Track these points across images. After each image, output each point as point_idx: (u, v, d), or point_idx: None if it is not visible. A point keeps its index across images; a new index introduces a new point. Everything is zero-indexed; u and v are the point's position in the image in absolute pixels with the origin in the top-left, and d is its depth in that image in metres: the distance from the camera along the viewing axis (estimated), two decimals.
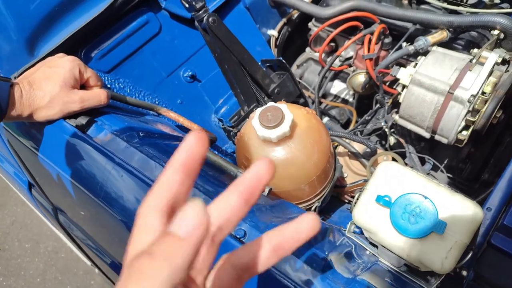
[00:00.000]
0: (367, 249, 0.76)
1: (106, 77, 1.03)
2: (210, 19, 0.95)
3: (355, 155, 1.12)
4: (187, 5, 0.93)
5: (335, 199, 1.15)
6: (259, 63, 1.12)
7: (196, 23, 0.98)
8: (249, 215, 0.67)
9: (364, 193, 0.75)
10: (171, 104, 1.14)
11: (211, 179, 0.75)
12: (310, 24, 1.43)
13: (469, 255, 0.70)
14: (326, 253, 0.67)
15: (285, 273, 0.58)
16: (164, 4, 1.12)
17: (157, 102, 1.12)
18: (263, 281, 0.59)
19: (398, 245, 0.71)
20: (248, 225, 0.65)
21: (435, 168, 1.23)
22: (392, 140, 1.17)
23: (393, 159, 1.05)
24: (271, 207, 0.73)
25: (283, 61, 1.14)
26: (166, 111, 1.00)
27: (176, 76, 1.16)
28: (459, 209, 0.69)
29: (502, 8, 1.12)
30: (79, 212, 1.00)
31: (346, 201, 1.12)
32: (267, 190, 0.72)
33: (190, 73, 1.16)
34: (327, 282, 0.59)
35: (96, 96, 0.81)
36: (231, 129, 1.16)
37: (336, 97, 1.47)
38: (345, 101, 1.46)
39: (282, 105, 0.77)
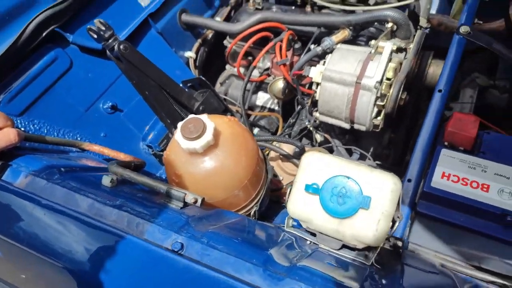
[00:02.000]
0: (307, 239, 0.78)
1: (18, 120, 0.98)
2: (121, 47, 0.95)
3: (286, 157, 1.16)
4: (95, 36, 0.92)
5: (276, 204, 1.17)
6: (180, 85, 1.14)
7: (108, 52, 0.97)
8: (184, 227, 0.66)
9: (294, 186, 0.78)
10: (95, 138, 1.11)
11: (141, 201, 0.73)
12: (225, 42, 1.48)
13: (397, 224, 0.75)
14: (268, 251, 0.68)
15: (228, 272, 0.59)
16: (71, 38, 1.10)
17: (79, 138, 1.09)
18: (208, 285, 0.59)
19: (332, 228, 0.74)
20: (185, 237, 0.64)
21: (363, 158, 1.31)
22: (318, 137, 1.23)
23: None
24: (207, 217, 0.73)
25: (203, 78, 1.16)
26: (89, 145, 0.97)
27: (95, 110, 1.13)
28: (380, 182, 0.73)
29: (390, 2, 1.24)
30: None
31: (285, 203, 1.15)
32: (199, 201, 0.72)
33: (110, 104, 1.15)
34: (267, 274, 0.60)
35: (5, 136, 0.77)
36: (161, 153, 1.15)
37: (263, 107, 1.52)
38: (271, 110, 1.51)
39: (203, 116, 0.79)
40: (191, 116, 0.79)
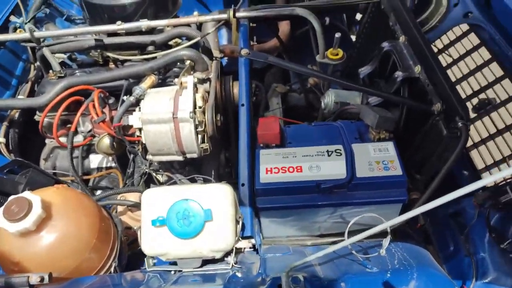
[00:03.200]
0: (170, 270, 0.82)
1: None
2: None
3: (135, 207, 1.17)
4: None
5: (140, 255, 1.17)
6: None
7: None
8: None
9: (142, 226, 0.81)
10: None
11: None
12: (36, 117, 1.40)
13: (240, 223, 0.86)
14: None
15: None
16: None
17: None
18: None
19: (189, 250, 0.80)
20: None
21: (208, 182, 1.41)
22: (160, 177, 1.28)
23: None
24: (67, 286, 0.70)
25: (19, 159, 1.10)
26: None
27: None
28: (213, 193, 0.83)
29: (183, 43, 1.40)
30: None
31: None
32: (46, 278, 0.69)
33: None
34: None
35: None
36: None
37: (99, 168, 1.49)
38: (109, 168, 1.49)
39: (24, 193, 0.76)
40: (10, 197, 0.75)
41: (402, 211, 1.05)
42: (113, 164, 1.49)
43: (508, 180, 1.33)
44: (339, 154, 1.04)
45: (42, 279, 0.69)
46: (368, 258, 0.80)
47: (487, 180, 0.51)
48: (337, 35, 1.37)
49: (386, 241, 0.79)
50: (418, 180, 1.21)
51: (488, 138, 1.51)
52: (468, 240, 1.32)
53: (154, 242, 0.80)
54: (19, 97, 1.43)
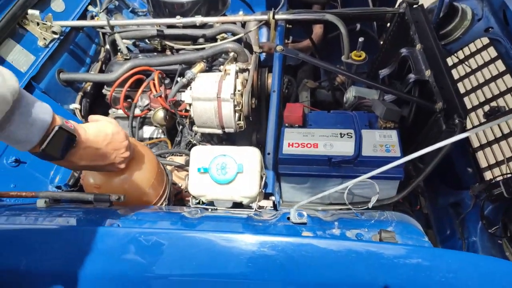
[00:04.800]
0: (208, 208, 1.07)
1: None
2: None
3: (180, 167, 1.44)
4: None
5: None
6: None
7: None
8: (115, 214, 0.90)
9: (190, 173, 1.07)
10: (6, 189, 1.23)
11: (75, 210, 0.94)
12: (104, 90, 1.71)
13: (264, 178, 1.10)
14: (181, 213, 0.95)
15: (157, 227, 0.84)
16: None
17: None
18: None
19: (223, 193, 1.05)
20: (117, 219, 0.88)
21: None
22: None
23: None
24: (131, 209, 0.97)
25: None
26: (6, 193, 1.11)
27: (0, 166, 1.25)
28: (245, 152, 1.08)
29: (228, 38, 1.66)
30: None
31: (188, 203, 1.42)
32: (122, 198, 0.96)
33: (14, 158, 1.28)
34: (183, 223, 0.87)
35: None
36: (71, 190, 1.32)
37: (150, 138, 1.78)
38: (157, 138, 1.78)
39: None
40: None
41: (400, 189, 1.26)
42: (162, 136, 1.77)
43: (502, 176, 1.50)
44: (350, 136, 1.26)
45: (119, 198, 0.96)
46: (361, 213, 1.02)
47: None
48: (361, 39, 1.58)
49: (374, 198, 1.00)
50: (421, 168, 1.41)
51: (493, 141, 1.68)
52: (463, 226, 1.51)
53: (198, 185, 1.06)
54: (91, 73, 1.74)
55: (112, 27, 1.67)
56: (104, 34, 1.89)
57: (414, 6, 1.71)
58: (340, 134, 1.28)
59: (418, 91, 1.43)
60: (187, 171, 1.44)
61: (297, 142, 1.27)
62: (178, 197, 1.39)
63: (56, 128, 0.78)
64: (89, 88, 1.73)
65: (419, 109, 1.42)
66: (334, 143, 1.25)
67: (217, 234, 0.82)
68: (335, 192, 1.32)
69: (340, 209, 1.31)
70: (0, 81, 0.66)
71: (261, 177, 1.09)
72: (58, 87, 1.58)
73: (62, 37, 1.64)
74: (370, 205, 1.02)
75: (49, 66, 1.57)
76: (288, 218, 0.90)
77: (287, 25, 1.63)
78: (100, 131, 0.91)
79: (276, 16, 1.59)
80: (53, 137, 0.78)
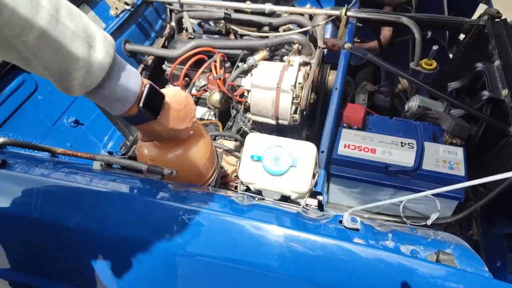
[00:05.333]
0: (255, 196, 1.05)
1: None
2: None
3: (229, 152, 1.43)
4: None
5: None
6: None
7: None
8: (166, 188, 0.90)
9: (242, 158, 1.06)
10: (62, 147, 1.27)
11: (128, 177, 0.95)
12: (164, 66, 1.73)
13: (316, 176, 1.06)
14: (230, 197, 0.93)
15: (207, 208, 0.83)
16: None
17: None
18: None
19: (273, 185, 1.02)
20: (168, 193, 0.88)
21: None
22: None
23: None
24: (180, 184, 0.97)
25: None
26: (64, 150, 1.15)
27: (61, 124, 1.30)
28: (302, 147, 1.04)
29: (295, 29, 1.62)
30: None
31: (232, 188, 1.41)
32: (174, 172, 0.96)
33: (74, 118, 1.32)
34: (233, 207, 0.85)
35: None
36: (123, 157, 1.34)
37: (201, 119, 1.79)
38: (209, 120, 1.78)
39: None
40: None
41: (456, 212, 1.18)
42: (213, 118, 1.77)
43: None
44: (411, 147, 1.19)
45: (171, 172, 0.95)
46: (415, 228, 0.96)
47: None
48: (435, 47, 1.49)
49: (434, 215, 0.94)
50: (481, 193, 1.31)
51: None
52: None
53: (249, 172, 1.04)
54: (154, 47, 1.76)
55: (181, 5, 1.68)
56: (171, 10, 1.91)
57: (496, 19, 1.59)
58: (401, 143, 1.21)
59: (490, 110, 1.33)
60: (235, 156, 1.43)
61: (354, 144, 1.22)
62: (223, 180, 1.38)
63: (148, 85, 0.78)
64: (150, 61, 1.76)
65: (489, 128, 1.32)
66: (393, 151, 1.19)
67: (266, 224, 0.80)
68: (384, 204, 1.27)
69: (389, 220, 1.25)
70: (102, 35, 0.67)
71: (314, 175, 1.05)
72: (122, 57, 1.60)
73: (132, 9, 1.67)
74: (429, 222, 0.95)
75: (117, 35, 1.60)
76: (340, 222, 0.86)
77: (358, 24, 1.57)
78: (177, 94, 0.91)
79: (349, 13, 1.53)
80: (148, 94, 0.77)
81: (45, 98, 1.27)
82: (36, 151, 1.11)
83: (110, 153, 1.37)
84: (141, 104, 0.76)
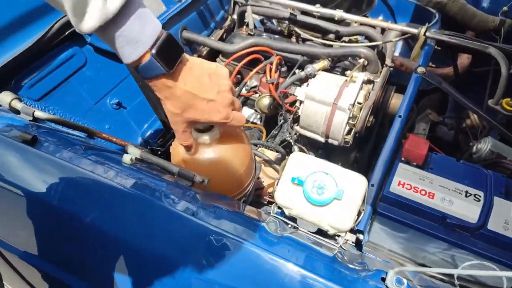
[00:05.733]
0: (288, 223, 0.94)
1: (36, 105, 1.09)
2: None
3: (268, 162, 1.32)
4: None
5: (257, 203, 1.33)
6: None
7: None
8: (194, 199, 0.81)
9: (282, 178, 0.95)
10: (100, 129, 1.23)
11: (156, 177, 0.87)
12: (218, 60, 1.65)
13: (362, 215, 0.93)
14: (260, 223, 0.83)
15: (233, 233, 0.73)
16: (89, 39, 1.23)
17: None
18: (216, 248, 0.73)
19: (310, 214, 0.91)
20: (195, 206, 0.79)
21: None
22: (296, 149, 1.41)
23: None
24: (209, 195, 0.88)
25: None
26: (99, 133, 1.09)
27: (103, 104, 1.25)
28: (351, 179, 0.92)
29: (363, 42, 1.48)
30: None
31: (265, 202, 1.31)
32: (206, 181, 0.87)
33: (116, 100, 1.27)
34: (263, 238, 0.75)
35: (239, 118, 0.89)
36: (158, 148, 1.28)
37: (246, 121, 1.69)
38: (254, 123, 1.68)
39: None
40: None
41: None
42: (258, 122, 1.67)
43: None
44: (477, 199, 1.03)
45: (203, 181, 0.87)
46: None
47: None
48: None
49: None
50: None
51: None
52: None
53: (287, 196, 0.93)
54: (211, 38, 1.69)
55: None
56: (235, 3, 1.83)
57: None
58: (466, 192, 1.05)
59: None
60: (274, 168, 1.33)
61: (410, 183, 1.07)
62: (257, 192, 1.28)
63: (166, 33, 0.72)
64: (205, 52, 1.69)
65: None
66: (455, 200, 1.03)
67: (296, 268, 0.69)
68: (433, 255, 1.11)
69: (435, 277, 1.09)
70: None
71: (359, 212, 0.93)
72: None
73: None
74: None
75: (176, 21, 1.54)
76: (383, 279, 0.73)
77: (436, 46, 1.40)
78: (203, 61, 0.83)
79: (428, 33, 1.37)
80: (165, 41, 0.70)
81: (92, 75, 1.23)
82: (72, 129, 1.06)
83: (147, 142, 1.31)
84: (153, 51, 0.69)
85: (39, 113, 0.97)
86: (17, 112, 0.98)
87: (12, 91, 1.01)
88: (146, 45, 0.69)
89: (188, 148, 0.90)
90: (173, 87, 0.76)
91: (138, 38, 0.68)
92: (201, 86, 0.79)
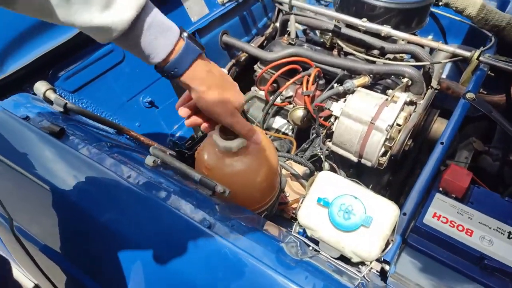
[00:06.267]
0: (310, 245, 0.89)
1: (71, 97, 1.10)
2: None
3: (295, 177, 1.27)
4: None
5: (279, 217, 1.28)
6: None
7: None
8: (212, 211, 0.77)
9: (307, 197, 0.89)
10: (130, 126, 1.23)
11: (176, 183, 0.84)
12: (255, 66, 1.62)
13: (390, 246, 0.86)
14: (279, 243, 0.78)
15: (249, 251, 0.69)
16: None
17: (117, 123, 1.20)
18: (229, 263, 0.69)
19: (335, 239, 0.85)
20: (212, 218, 0.75)
21: None
22: (326, 165, 1.35)
23: None
24: (229, 207, 0.84)
25: None
26: (128, 130, 1.09)
27: (135, 101, 1.25)
28: (381, 207, 0.85)
29: (408, 61, 1.41)
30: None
31: (289, 217, 1.25)
32: (227, 192, 0.83)
33: (149, 99, 1.27)
34: (280, 261, 0.70)
35: (258, 137, 0.87)
36: (185, 151, 1.26)
37: (278, 131, 1.65)
38: (285, 134, 1.64)
39: None
40: None
41: None
42: (290, 133, 1.63)
43: None
44: None
45: (224, 192, 0.83)
46: None
47: None
48: None
49: None
50: None
51: None
52: None
53: (310, 216, 0.87)
54: (251, 45, 1.66)
55: (291, 7, 1.56)
56: (280, 10, 1.80)
57: None
58: (509, 233, 0.95)
59: None
60: (301, 184, 1.27)
61: (446, 216, 0.99)
62: (281, 207, 1.23)
63: (186, 34, 0.69)
64: (243, 58, 1.67)
65: None
66: (496, 240, 0.94)
67: None
68: None
69: None
70: None
71: (388, 242, 0.86)
72: (216, 47, 1.54)
73: (240, 0, 1.59)
74: None
75: (217, 24, 1.53)
76: None
77: (489, 72, 1.30)
78: (216, 66, 0.80)
79: (482, 58, 1.28)
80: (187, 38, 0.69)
81: (128, 72, 1.24)
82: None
83: (175, 143, 1.30)
84: (184, 33, 0.69)
85: (70, 106, 0.97)
86: (50, 102, 0.99)
87: (49, 82, 1.02)
88: (176, 31, 0.66)
89: (251, 132, 0.84)
90: (211, 67, 0.75)
91: (168, 24, 0.65)
92: (217, 82, 0.77)
